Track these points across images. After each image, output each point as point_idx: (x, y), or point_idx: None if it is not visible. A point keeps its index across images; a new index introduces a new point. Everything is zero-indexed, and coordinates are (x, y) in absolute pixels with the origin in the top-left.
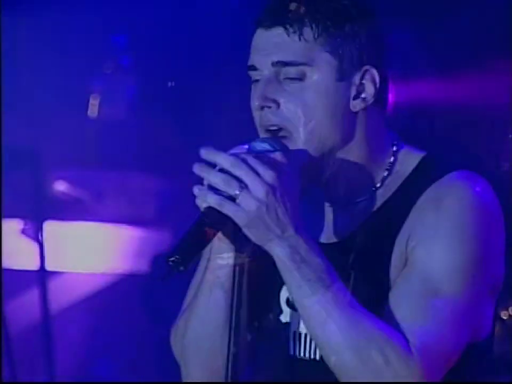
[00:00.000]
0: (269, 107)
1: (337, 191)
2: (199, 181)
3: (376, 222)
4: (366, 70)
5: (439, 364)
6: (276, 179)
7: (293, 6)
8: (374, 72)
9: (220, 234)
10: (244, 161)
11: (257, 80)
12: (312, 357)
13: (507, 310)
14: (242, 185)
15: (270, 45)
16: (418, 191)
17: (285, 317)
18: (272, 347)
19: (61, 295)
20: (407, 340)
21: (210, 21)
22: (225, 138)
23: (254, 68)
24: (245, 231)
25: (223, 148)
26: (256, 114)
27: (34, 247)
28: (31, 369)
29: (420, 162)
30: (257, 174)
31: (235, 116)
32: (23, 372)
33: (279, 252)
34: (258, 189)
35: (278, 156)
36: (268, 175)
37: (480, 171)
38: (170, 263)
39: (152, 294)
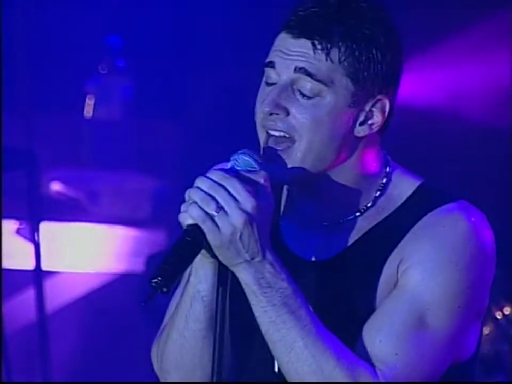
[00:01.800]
0: (278, 114)
1: (328, 208)
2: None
3: (368, 242)
4: (379, 100)
5: None
6: (254, 208)
7: (325, 22)
8: (386, 102)
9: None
10: (224, 184)
11: (269, 84)
12: None
13: (501, 310)
14: (220, 206)
15: (296, 52)
16: (414, 217)
17: None
18: (257, 364)
19: (57, 295)
20: (374, 368)
21: (206, 23)
22: (220, 138)
23: (273, 65)
24: (215, 250)
25: (218, 148)
26: (260, 114)
27: (30, 247)
28: (27, 369)
29: (417, 189)
30: (237, 200)
31: (230, 116)
32: (19, 372)
33: (245, 276)
34: (236, 217)
35: (260, 176)
36: (248, 203)
37: (477, 203)
38: (154, 284)
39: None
